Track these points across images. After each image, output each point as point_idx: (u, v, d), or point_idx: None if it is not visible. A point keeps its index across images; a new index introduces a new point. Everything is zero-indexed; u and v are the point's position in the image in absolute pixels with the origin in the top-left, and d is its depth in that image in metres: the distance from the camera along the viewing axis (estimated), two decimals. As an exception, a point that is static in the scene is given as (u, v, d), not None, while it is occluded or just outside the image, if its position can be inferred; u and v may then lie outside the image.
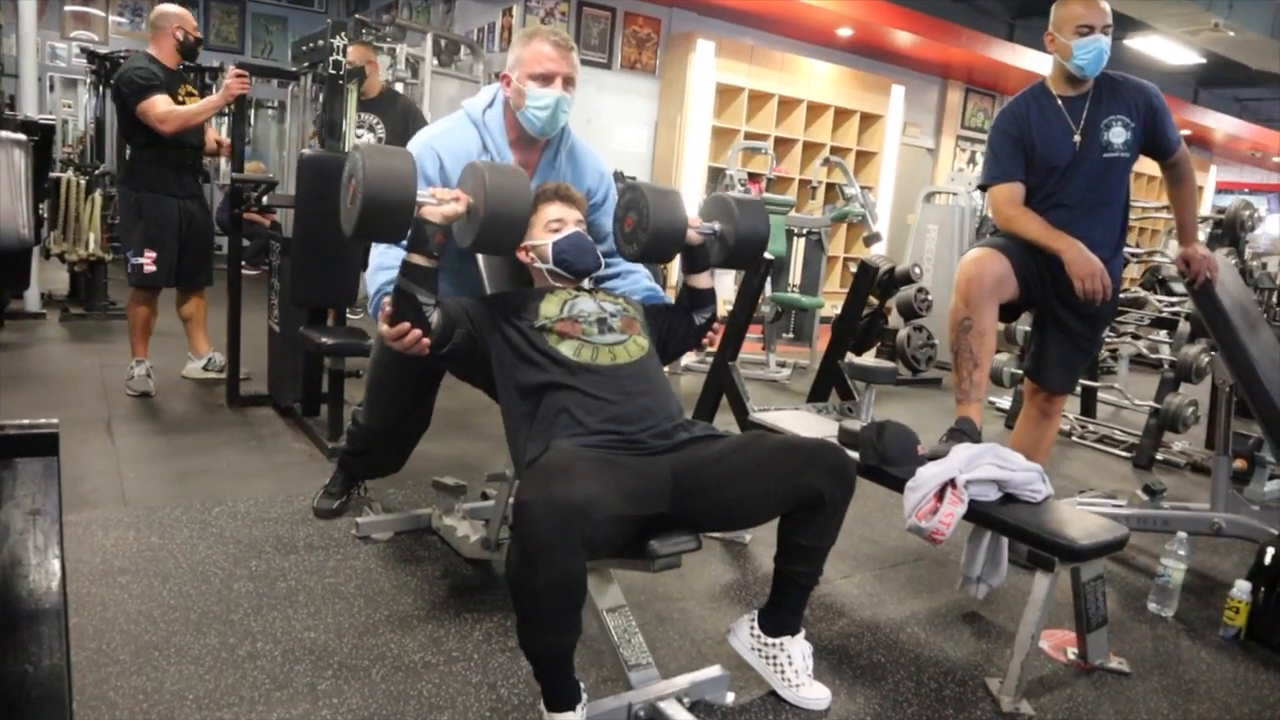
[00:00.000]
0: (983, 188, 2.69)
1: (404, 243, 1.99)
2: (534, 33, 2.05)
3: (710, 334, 2.11)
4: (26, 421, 1.14)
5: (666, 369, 2.19)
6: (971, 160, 9.96)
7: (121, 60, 7.16)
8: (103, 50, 7.46)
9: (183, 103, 3.60)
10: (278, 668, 1.81)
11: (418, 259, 1.71)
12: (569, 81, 2.05)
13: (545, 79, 2.01)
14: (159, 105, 3.47)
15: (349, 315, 4.28)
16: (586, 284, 2.00)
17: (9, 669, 1.09)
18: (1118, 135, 2.51)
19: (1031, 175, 2.55)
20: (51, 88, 8.48)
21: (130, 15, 9.22)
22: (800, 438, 1.91)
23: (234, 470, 2.95)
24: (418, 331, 1.73)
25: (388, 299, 1.76)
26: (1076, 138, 2.51)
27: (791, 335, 6.17)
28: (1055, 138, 2.52)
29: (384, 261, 2.00)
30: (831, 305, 5.71)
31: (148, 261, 3.63)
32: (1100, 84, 2.53)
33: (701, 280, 2.08)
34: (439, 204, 1.70)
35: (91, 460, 2.90)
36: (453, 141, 2.06)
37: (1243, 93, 12.16)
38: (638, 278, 2.24)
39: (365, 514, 2.57)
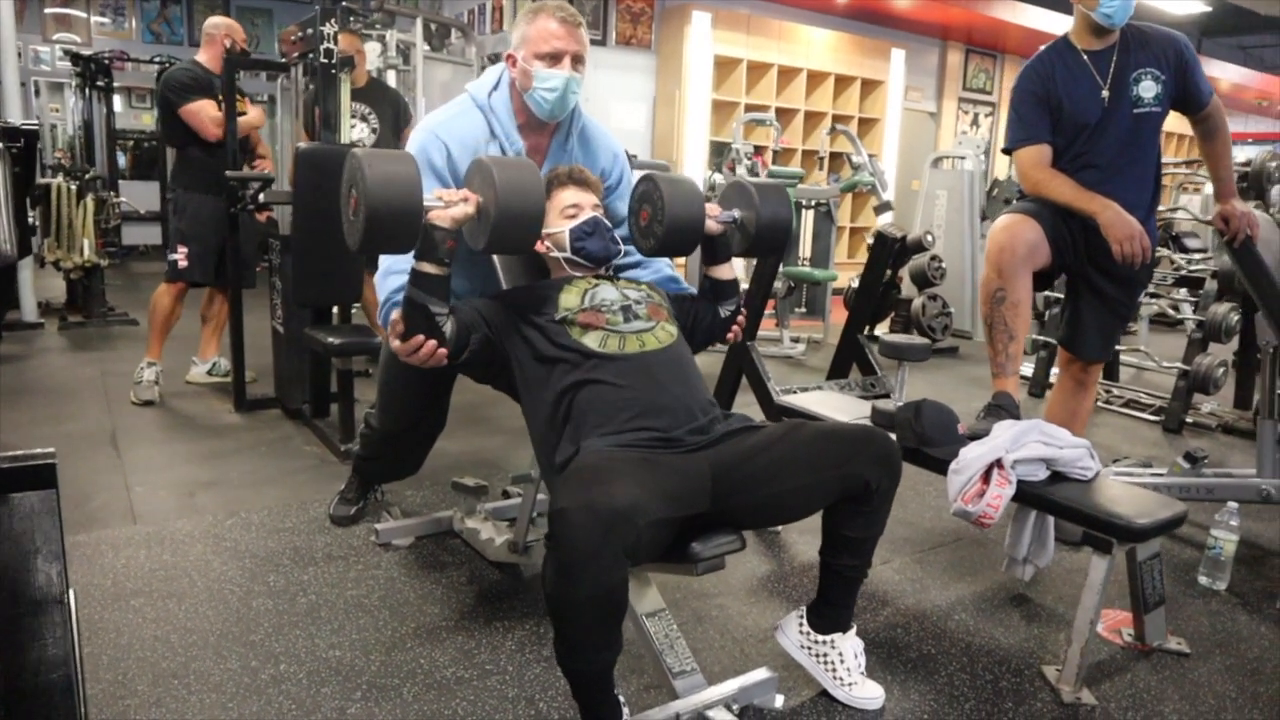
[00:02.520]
0: (1007, 151, 2.57)
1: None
2: (539, 9, 1.92)
3: (735, 327, 2.02)
4: (21, 452, 1.05)
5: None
6: (974, 123, 9.81)
7: (106, 60, 7.04)
8: (86, 52, 7.33)
9: (243, 113, 3.68)
10: (304, 691, 1.72)
11: (428, 267, 1.58)
12: (578, 60, 1.93)
13: (553, 58, 1.89)
14: (209, 109, 3.59)
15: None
16: (606, 271, 1.90)
17: (21, 721, 1.01)
18: (1148, 89, 2.39)
19: (1059, 135, 2.43)
20: (37, 92, 8.33)
21: (112, 15, 9.06)
22: (842, 425, 1.81)
23: (245, 479, 2.86)
24: (433, 343, 1.62)
25: (397, 312, 1.65)
26: (1105, 93, 2.39)
27: (804, 309, 6.06)
28: (1082, 94, 2.40)
29: (394, 265, 1.88)
30: (845, 277, 5.61)
31: (180, 257, 3.67)
32: (1127, 35, 2.41)
33: (723, 271, 1.98)
34: (446, 207, 1.58)
35: (97, 476, 2.81)
36: (459, 128, 1.95)
37: (1247, 40, 11.95)
38: (658, 266, 2.14)
39: (384, 519, 2.48)
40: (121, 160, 8.38)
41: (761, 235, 1.91)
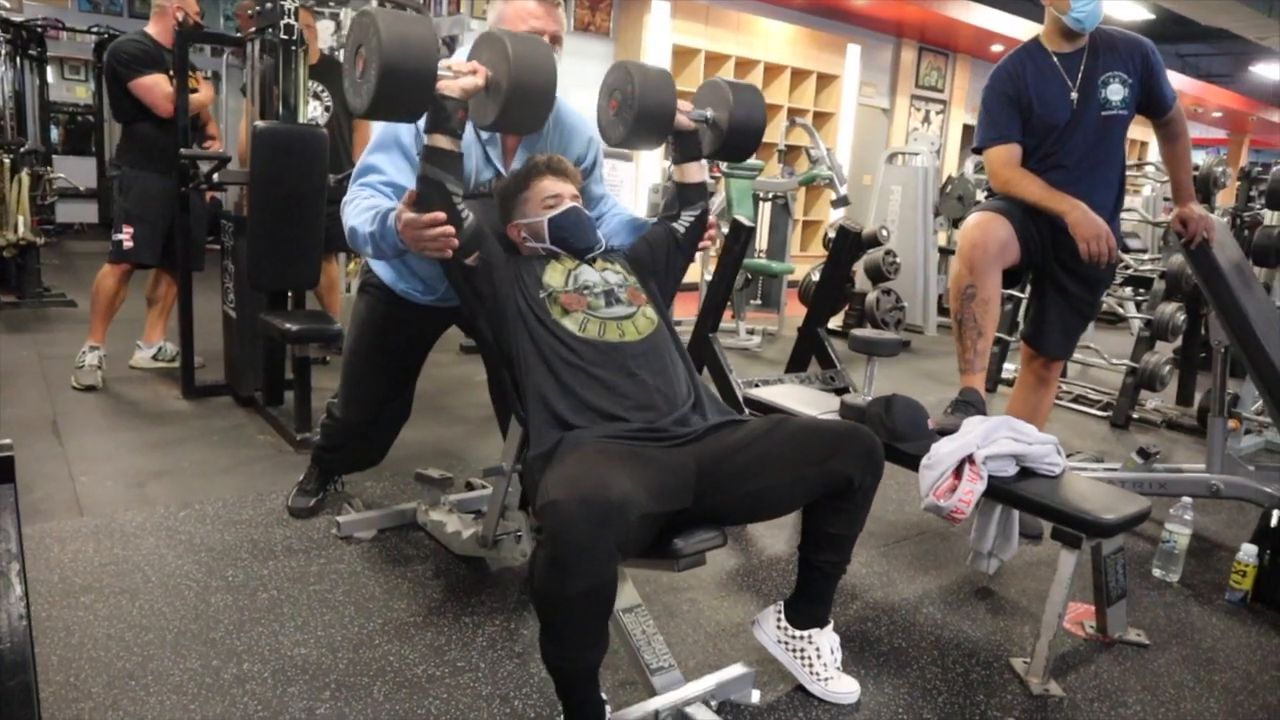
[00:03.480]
0: (978, 150, 2.59)
1: (385, 181, 1.85)
2: (517, -13, 1.87)
3: (710, 231, 1.99)
4: (-26, 444, 0.99)
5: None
6: (926, 120, 9.94)
7: (39, 28, 6.72)
8: (17, 18, 6.99)
9: (194, 89, 3.52)
10: (269, 691, 1.66)
11: (441, 140, 1.57)
12: (556, 40, 1.90)
13: (532, 38, 1.84)
14: (164, 84, 3.43)
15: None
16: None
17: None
18: (1115, 92, 2.43)
19: (1028, 136, 2.46)
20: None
21: (46, -20, 8.64)
22: (825, 421, 1.81)
23: (197, 469, 2.76)
24: (450, 225, 1.57)
25: (411, 191, 1.61)
26: (1074, 95, 2.42)
27: (759, 302, 6.08)
28: (1053, 96, 2.43)
29: (364, 205, 1.82)
30: (799, 270, 5.64)
31: (125, 237, 3.51)
32: (1096, 39, 2.45)
33: (692, 172, 1.96)
34: (455, 77, 1.56)
35: (39, 465, 2.68)
36: (431, 108, 1.89)
37: (1185, 49, 12.33)
38: (618, 213, 2.13)
39: (345, 512, 2.41)
40: (54, 134, 8.02)
41: (733, 135, 1.90)
